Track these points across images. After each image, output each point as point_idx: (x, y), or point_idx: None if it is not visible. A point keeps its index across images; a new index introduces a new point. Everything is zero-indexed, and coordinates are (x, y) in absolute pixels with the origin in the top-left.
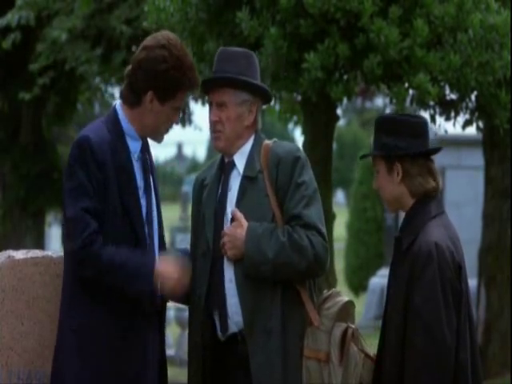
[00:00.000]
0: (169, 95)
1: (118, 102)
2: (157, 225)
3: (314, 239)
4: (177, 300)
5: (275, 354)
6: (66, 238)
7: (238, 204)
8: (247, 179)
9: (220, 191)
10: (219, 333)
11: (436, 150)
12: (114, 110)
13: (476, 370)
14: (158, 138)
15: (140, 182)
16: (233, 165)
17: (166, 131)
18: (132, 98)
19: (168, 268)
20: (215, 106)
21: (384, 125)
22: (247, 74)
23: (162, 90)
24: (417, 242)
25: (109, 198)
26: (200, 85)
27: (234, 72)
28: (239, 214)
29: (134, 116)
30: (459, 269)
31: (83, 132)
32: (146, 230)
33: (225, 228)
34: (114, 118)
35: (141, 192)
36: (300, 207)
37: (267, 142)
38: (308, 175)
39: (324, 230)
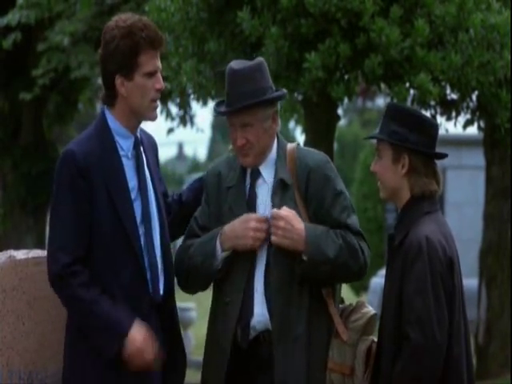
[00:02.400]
0: (131, 66)
1: (105, 106)
2: (158, 222)
3: (363, 245)
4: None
5: (300, 364)
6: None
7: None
8: (280, 188)
9: (248, 198)
10: (239, 339)
11: (445, 155)
12: (102, 113)
13: (470, 368)
14: (150, 115)
15: (133, 182)
16: (258, 173)
17: (153, 102)
18: (109, 96)
19: (140, 344)
20: (239, 128)
21: (398, 114)
22: (263, 86)
23: (123, 66)
24: (408, 236)
25: (98, 208)
26: (216, 112)
27: (252, 90)
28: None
29: (119, 112)
30: (451, 264)
31: (68, 146)
32: (141, 231)
33: (280, 210)
34: (102, 121)
35: (134, 192)
36: (345, 217)
37: (290, 146)
38: (341, 184)
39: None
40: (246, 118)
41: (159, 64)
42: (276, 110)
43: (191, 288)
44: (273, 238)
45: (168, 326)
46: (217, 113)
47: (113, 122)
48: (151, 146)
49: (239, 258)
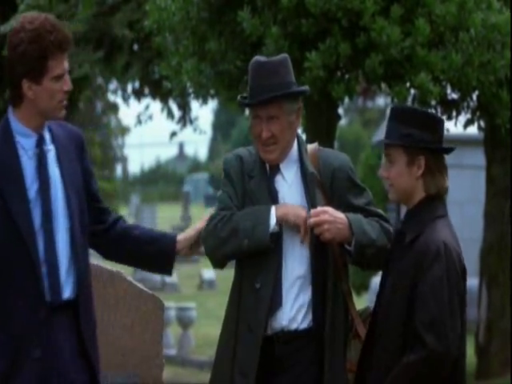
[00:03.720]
0: (40, 71)
1: (10, 108)
2: (67, 221)
3: (392, 231)
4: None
5: (342, 365)
6: None
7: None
8: (312, 182)
9: (268, 192)
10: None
11: (453, 149)
12: (6, 115)
13: (464, 367)
14: (57, 115)
15: (33, 181)
16: (277, 169)
17: (61, 102)
18: (14, 97)
19: None
20: (266, 120)
21: (405, 115)
22: (289, 81)
23: (31, 70)
24: (423, 237)
25: None
26: (242, 103)
27: (278, 83)
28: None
29: (24, 113)
30: (463, 271)
31: None
32: (41, 234)
33: (322, 207)
34: (5, 123)
35: (33, 193)
36: (374, 208)
37: (311, 147)
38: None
39: None
40: (272, 111)
41: (67, 66)
42: (299, 107)
43: (223, 258)
44: (324, 235)
45: (82, 327)
46: (243, 104)
47: (15, 122)
48: (72, 142)
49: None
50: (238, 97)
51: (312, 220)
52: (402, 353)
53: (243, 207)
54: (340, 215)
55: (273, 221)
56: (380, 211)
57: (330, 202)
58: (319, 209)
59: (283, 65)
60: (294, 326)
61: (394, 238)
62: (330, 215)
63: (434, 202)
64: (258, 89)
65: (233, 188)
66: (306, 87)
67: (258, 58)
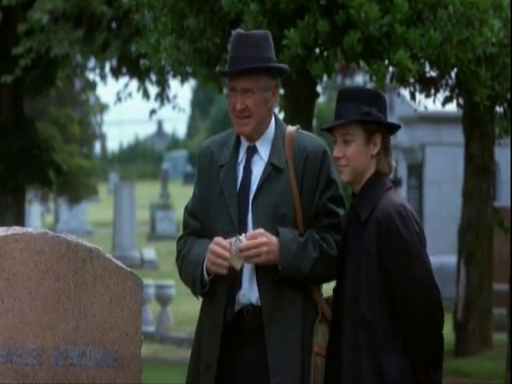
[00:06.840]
0: None
1: None
2: None
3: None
4: None
5: (295, 348)
6: None
7: (260, 189)
8: (273, 167)
9: (242, 174)
10: (226, 313)
11: (400, 127)
12: None
13: None
14: None
15: None
16: (255, 150)
17: None
18: None
19: None
20: (240, 93)
21: (361, 95)
22: (269, 56)
23: None
24: (378, 209)
25: None
26: (220, 72)
27: (258, 57)
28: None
29: None
30: (422, 232)
31: None
32: None
33: (258, 231)
34: None
35: None
36: (333, 205)
37: (290, 129)
38: (335, 173)
39: None
40: (248, 83)
41: None
42: (277, 84)
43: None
44: (261, 258)
45: None
46: (220, 73)
47: None
48: None
49: (222, 232)
50: (217, 68)
51: (250, 242)
52: (381, 329)
53: (208, 208)
54: (275, 241)
55: (205, 275)
56: (338, 210)
57: (300, 188)
58: (257, 231)
59: (264, 39)
60: (259, 302)
61: (346, 218)
62: (268, 238)
63: (382, 178)
64: (237, 60)
65: (198, 191)
66: (285, 65)
67: (240, 30)
